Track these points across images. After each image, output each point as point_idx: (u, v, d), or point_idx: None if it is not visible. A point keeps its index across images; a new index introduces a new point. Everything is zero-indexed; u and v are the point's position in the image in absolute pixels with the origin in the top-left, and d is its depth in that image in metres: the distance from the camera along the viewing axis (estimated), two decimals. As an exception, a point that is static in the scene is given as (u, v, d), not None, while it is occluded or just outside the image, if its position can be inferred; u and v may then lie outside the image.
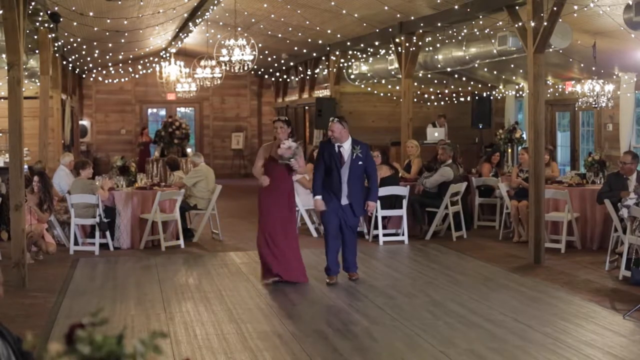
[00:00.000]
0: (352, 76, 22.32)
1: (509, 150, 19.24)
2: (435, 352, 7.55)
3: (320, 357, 7.47)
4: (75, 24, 15.74)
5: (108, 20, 15.77)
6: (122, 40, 19.46)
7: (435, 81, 22.45)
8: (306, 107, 25.57)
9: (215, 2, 16.95)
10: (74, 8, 14.26)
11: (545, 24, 11.73)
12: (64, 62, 21.76)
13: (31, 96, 18.35)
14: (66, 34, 17.47)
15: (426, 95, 22.52)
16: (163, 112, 30.72)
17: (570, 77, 18.32)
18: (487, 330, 8.34)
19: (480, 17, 14.44)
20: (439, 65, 18.03)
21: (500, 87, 22.03)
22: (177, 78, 24.98)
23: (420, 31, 16.59)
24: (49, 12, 13.91)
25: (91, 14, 15.01)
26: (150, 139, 28.46)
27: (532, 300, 9.82)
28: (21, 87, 11.45)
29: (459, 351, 7.58)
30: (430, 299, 9.87)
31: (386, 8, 15.22)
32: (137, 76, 27.57)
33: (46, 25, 14.76)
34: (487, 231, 15.57)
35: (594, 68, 14.88)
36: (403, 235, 14.28)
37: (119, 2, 14.13)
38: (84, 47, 19.98)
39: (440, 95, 22.61)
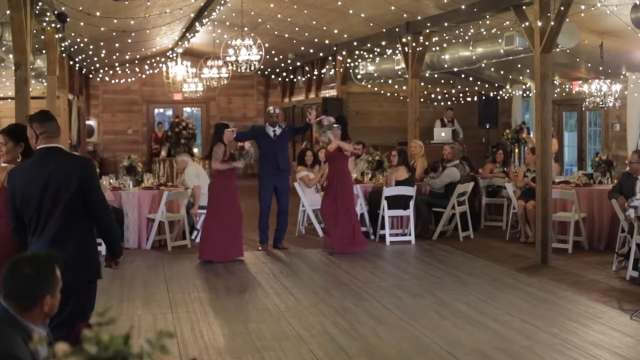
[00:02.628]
0: (359, 76, 22.30)
1: (516, 150, 19.21)
2: (442, 353, 7.54)
3: (327, 357, 7.47)
4: (82, 24, 15.76)
5: (115, 21, 15.77)
6: (129, 40, 19.47)
7: (442, 81, 22.42)
8: (313, 107, 25.52)
9: (222, 2, 16.94)
10: (81, 8, 14.27)
11: (552, 23, 11.71)
12: (71, 62, 21.79)
13: (38, 96, 18.37)
14: (73, 34, 17.49)
15: (433, 95, 22.49)
16: (170, 112, 30.75)
17: (578, 77, 18.28)
18: (494, 331, 8.34)
19: (487, 16, 14.42)
20: (446, 65, 18.00)
21: (507, 87, 21.99)
22: (184, 78, 25.00)
23: (427, 31, 16.56)
24: (56, 12, 13.92)
25: (98, 14, 15.03)
26: (164, 134, 28.37)
27: (539, 300, 9.81)
28: (28, 87, 11.48)
29: (465, 351, 7.58)
30: (437, 299, 9.86)
31: (393, 8, 15.19)
32: (144, 76, 27.59)
33: (53, 25, 14.78)
34: (494, 231, 15.54)
35: (601, 68, 14.85)
36: (410, 235, 14.28)
37: (126, 2, 14.14)
38: (91, 47, 20.00)
39: (447, 95, 22.58)
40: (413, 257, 13.21)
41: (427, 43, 16.82)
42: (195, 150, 26.99)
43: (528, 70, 18.62)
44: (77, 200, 5.74)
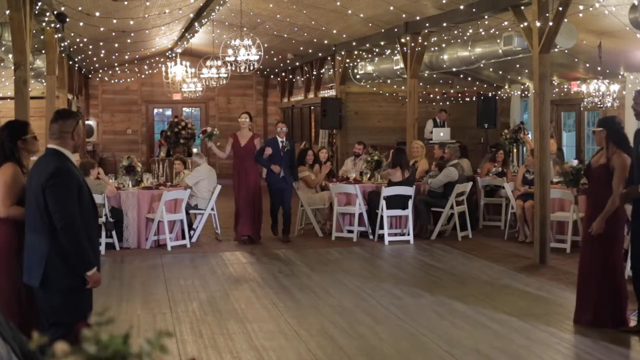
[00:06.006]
0: (358, 76, 22.33)
1: (514, 150, 19.23)
2: (441, 352, 7.56)
3: (325, 357, 7.49)
4: (81, 24, 15.78)
5: (114, 21, 15.80)
6: (129, 41, 19.49)
7: (441, 81, 22.45)
8: (312, 107, 25.58)
9: (221, 2, 16.96)
10: (80, 8, 14.29)
11: (551, 24, 11.73)
12: (70, 62, 21.81)
13: (37, 96, 18.40)
14: (72, 34, 17.51)
15: (432, 95, 22.52)
16: (169, 112, 30.75)
17: (576, 77, 18.31)
18: (492, 330, 8.36)
19: (486, 17, 14.44)
20: (445, 65, 18.02)
21: (506, 87, 22.02)
22: (183, 78, 25.02)
23: (426, 31, 16.58)
24: (55, 12, 13.94)
25: (97, 14, 15.05)
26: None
27: (538, 300, 9.83)
28: (27, 87, 11.50)
29: (464, 351, 7.60)
30: (435, 298, 9.88)
31: (392, 8, 15.22)
32: (143, 76, 27.59)
33: (53, 25, 14.80)
34: (493, 231, 15.56)
35: (599, 68, 14.87)
36: (409, 235, 14.30)
37: (125, 3, 14.16)
38: (91, 47, 20.02)
39: (445, 95, 22.61)
40: (412, 256, 13.23)
41: (425, 43, 16.84)
42: (195, 150, 26.95)
43: (526, 71, 18.65)
44: (39, 205, 5.74)
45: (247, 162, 14.44)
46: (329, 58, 23.33)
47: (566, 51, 14.40)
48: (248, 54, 16.43)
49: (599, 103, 15.93)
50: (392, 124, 22.45)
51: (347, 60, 22.02)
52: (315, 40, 20.25)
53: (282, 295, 10.18)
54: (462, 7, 14.10)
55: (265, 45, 18.18)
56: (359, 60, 21.98)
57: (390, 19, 16.84)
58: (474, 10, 13.92)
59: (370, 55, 21.49)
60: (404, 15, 16.15)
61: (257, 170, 14.74)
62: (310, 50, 23.37)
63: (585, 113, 18.97)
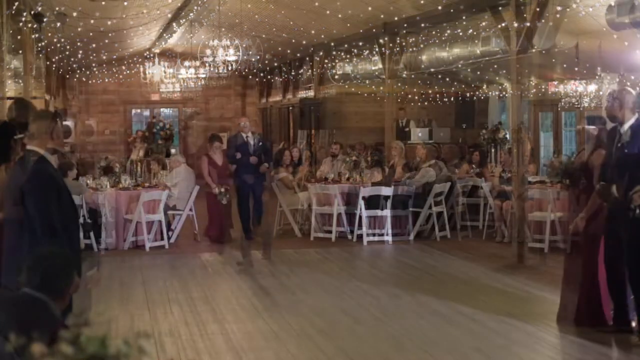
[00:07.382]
0: (336, 77, 22.32)
1: (493, 151, 19.29)
2: (420, 352, 7.58)
3: (304, 357, 7.49)
4: (59, 24, 15.68)
5: (92, 21, 15.72)
6: (106, 41, 19.40)
7: (419, 82, 22.46)
8: (290, 108, 25.57)
9: (199, 2, 16.93)
10: (57, 8, 14.21)
11: (528, 24, 11.78)
12: (48, 63, 21.67)
13: (15, 97, 18.25)
14: (50, 34, 17.40)
15: (410, 96, 22.54)
16: (147, 113, 30.60)
17: (553, 78, 18.37)
18: (471, 330, 8.38)
19: (464, 18, 14.48)
20: (423, 66, 18.04)
21: (484, 87, 22.07)
22: (161, 79, 24.94)
23: (404, 32, 16.61)
24: (32, 12, 13.85)
25: (75, 14, 14.97)
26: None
27: (516, 299, 9.86)
28: (4, 88, 11.43)
29: (442, 351, 7.62)
30: (414, 298, 9.89)
31: (370, 9, 15.24)
32: (121, 77, 27.46)
33: (30, 25, 14.69)
34: (471, 231, 15.57)
35: (576, 69, 14.93)
36: (387, 235, 14.31)
37: (103, 3, 14.10)
38: (68, 47, 19.91)
39: (424, 96, 22.63)
40: (390, 257, 13.25)
41: (403, 44, 16.87)
42: (173, 150, 26.85)
43: (504, 71, 18.69)
44: (18, 207, 5.74)
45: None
46: (307, 59, 23.32)
47: (544, 52, 14.45)
48: (226, 55, 16.41)
49: (576, 103, 16.00)
50: (370, 125, 22.43)
51: (325, 61, 22.01)
52: (293, 40, 20.24)
53: (261, 296, 10.17)
54: (440, 8, 14.13)
55: (244, 45, 18.15)
56: (337, 61, 21.98)
57: (369, 20, 16.86)
58: (451, 11, 13.97)
59: (348, 56, 21.49)
60: (382, 16, 16.17)
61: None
62: (288, 51, 23.35)
63: (562, 113, 19.04)
